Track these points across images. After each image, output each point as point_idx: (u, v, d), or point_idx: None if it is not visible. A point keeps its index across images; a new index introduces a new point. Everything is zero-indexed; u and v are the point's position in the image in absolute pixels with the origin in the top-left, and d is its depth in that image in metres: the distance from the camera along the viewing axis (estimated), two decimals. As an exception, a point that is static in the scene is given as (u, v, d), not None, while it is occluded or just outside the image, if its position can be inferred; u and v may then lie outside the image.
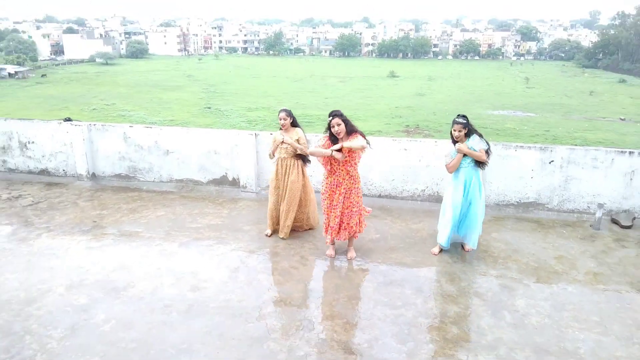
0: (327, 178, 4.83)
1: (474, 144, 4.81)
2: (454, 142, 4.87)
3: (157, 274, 4.62)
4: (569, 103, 45.72)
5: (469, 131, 4.85)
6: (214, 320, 3.91)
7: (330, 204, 4.86)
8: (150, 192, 7.08)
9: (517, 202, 6.45)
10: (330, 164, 4.74)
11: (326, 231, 4.96)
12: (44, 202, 6.55)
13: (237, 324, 3.86)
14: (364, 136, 4.61)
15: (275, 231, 5.53)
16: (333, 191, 4.81)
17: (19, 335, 3.70)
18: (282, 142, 5.19)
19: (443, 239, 5.02)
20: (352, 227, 4.89)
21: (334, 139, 4.63)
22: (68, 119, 7.58)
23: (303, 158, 5.35)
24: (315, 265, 4.87)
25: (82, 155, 7.44)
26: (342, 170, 4.74)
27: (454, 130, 4.80)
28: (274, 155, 5.38)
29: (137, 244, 5.28)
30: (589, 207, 6.27)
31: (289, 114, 5.24)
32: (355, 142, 4.52)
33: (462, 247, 5.20)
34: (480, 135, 4.88)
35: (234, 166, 7.08)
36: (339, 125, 4.50)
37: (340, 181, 4.77)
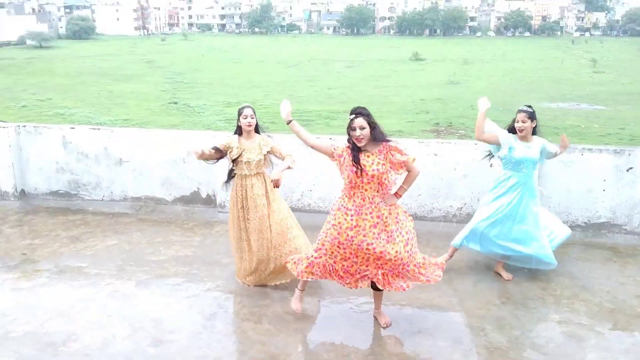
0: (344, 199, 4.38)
1: (547, 146, 5.17)
2: (512, 132, 5.19)
3: (107, 323, 4.59)
4: (650, 92, 45.94)
5: (535, 129, 5.19)
6: (183, 384, 3.88)
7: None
8: (98, 215, 7.09)
9: (585, 222, 6.43)
10: (353, 183, 4.30)
11: (302, 273, 4.50)
12: (-43, 229, 6.56)
13: (214, 389, 3.83)
14: (400, 152, 4.25)
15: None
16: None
17: None
18: (239, 155, 4.86)
19: (459, 238, 5.38)
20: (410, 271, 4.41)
21: (353, 145, 4.26)
22: (-10, 119, 7.63)
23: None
24: (319, 309, 4.84)
25: (8, 166, 7.47)
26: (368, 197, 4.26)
27: (517, 122, 5.09)
28: (203, 158, 4.99)
29: (81, 283, 5.27)
30: (681, 228, 6.25)
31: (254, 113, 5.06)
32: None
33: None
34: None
35: (209, 179, 7.09)
36: (362, 129, 4.17)
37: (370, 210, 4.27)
